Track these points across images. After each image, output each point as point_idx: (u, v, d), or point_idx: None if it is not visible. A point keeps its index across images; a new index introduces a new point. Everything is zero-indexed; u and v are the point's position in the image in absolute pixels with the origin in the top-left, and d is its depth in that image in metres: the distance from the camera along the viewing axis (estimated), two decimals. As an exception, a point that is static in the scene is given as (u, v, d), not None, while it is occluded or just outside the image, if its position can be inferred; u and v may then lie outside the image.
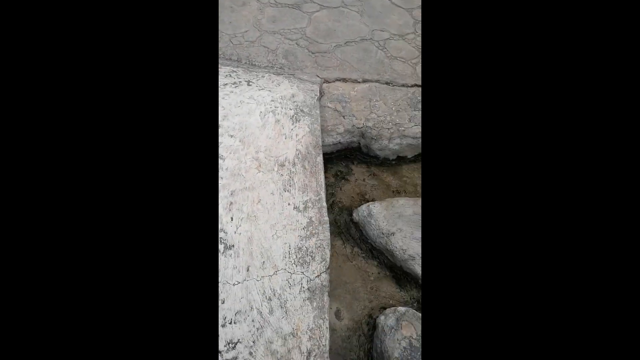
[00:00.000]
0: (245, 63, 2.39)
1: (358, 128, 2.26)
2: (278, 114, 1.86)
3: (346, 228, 2.09)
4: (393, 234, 1.87)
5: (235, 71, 2.12)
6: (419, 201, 1.99)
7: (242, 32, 2.63)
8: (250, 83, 2.04)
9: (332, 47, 2.57)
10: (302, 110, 1.90)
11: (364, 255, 1.96)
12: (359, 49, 2.62)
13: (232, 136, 1.72)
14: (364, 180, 2.39)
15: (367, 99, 2.33)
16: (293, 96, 1.97)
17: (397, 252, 1.78)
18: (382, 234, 1.87)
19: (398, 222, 1.89)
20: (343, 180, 2.36)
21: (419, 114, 2.38)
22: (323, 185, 1.68)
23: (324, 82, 2.38)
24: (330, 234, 1.84)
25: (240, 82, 2.02)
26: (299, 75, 2.22)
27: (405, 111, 2.37)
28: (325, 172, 2.25)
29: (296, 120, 1.85)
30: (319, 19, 2.78)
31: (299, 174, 1.66)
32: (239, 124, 1.78)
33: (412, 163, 2.42)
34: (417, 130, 2.26)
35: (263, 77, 2.11)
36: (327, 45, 2.57)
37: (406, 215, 1.94)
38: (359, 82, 2.42)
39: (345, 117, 2.27)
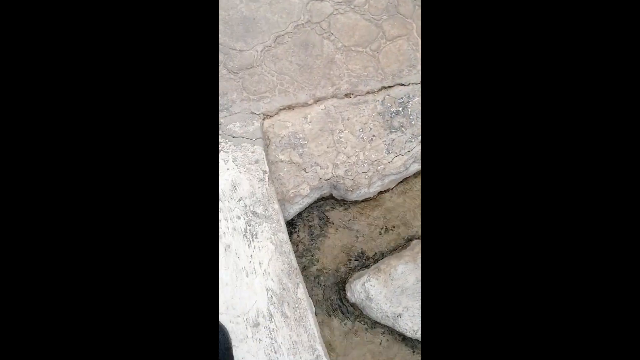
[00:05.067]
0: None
1: (326, 180, 1.63)
2: (224, 234, 1.20)
3: (341, 304, 1.69)
4: (400, 315, 1.61)
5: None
6: (419, 259, 1.68)
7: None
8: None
9: (259, 54, 1.79)
10: (255, 214, 1.24)
11: (367, 326, 1.67)
12: (296, 47, 1.83)
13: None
14: (345, 227, 1.87)
15: (327, 132, 1.67)
16: (235, 187, 1.29)
17: (409, 333, 1.60)
18: (387, 316, 1.60)
19: (402, 300, 1.60)
20: (321, 238, 1.81)
21: (396, 135, 1.76)
22: (316, 332, 1.10)
23: (264, 118, 1.66)
24: (324, 312, 1.64)
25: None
26: (228, 128, 1.51)
27: (380, 137, 1.75)
28: (297, 231, 1.70)
29: (252, 236, 1.20)
30: (226, 2, 1.86)
31: (282, 328, 1.06)
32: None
33: (395, 190, 1.91)
34: (399, 162, 1.71)
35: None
36: (250, 52, 1.77)
37: (409, 287, 1.63)
38: (311, 105, 1.73)
39: (307, 170, 1.63)
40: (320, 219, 1.90)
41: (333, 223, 1.89)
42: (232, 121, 1.50)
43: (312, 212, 1.88)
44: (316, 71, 1.81)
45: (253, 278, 1.13)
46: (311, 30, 1.91)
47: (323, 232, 1.89)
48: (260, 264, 1.15)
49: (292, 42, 1.86)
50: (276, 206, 1.23)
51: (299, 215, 1.80)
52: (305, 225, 1.86)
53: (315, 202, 1.77)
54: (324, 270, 1.77)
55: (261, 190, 1.26)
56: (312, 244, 1.82)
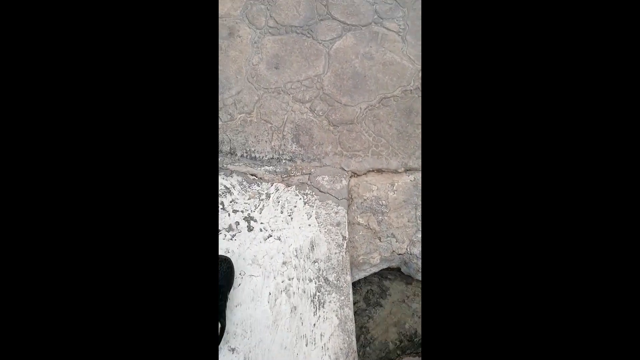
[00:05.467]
0: (243, 156, 1.66)
1: (399, 254, 1.59)
2: (294, 294, 1.20)
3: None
4: None
5: (228, 189, 1.39)
6: None
7: (233, 95, 1.84)
8: (252, 219, 1.32)
9: (361, 111, 1.82)
10: (326, 280, 1.23)
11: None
12: (399, 111, 1.84)
13: (232, 350, 1.05)
14: (403, 302, 1.79)
15: (411, 205, 1.64)
16: (313, 247, 1.30)
17: None
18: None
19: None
20: (376, 307, 1.74)
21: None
22: None
23: (352, 176, 1.67)
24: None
25: (237, 220, 1.33)
26: (317, 180, 1.53)
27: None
28: (352, 294, 1.66)
29: (320, 304, 1.19)
30: (343, 55, 1.95)
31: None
32: (242, 322, 1.11)
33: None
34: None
35: (268, 196, 1.41)
36: (354, 109, 1.81)
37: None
38: (400, 173, 1.72)
39: (382, 240, 1.60)
40: (379, 287, 1.85)
41: (391, 295, 1.84)
42: (321, 173, 1.52)
43: (373, 278, 1.84)
44: (414, 140, 1.80)
45: (311, 349, 1.11)
46: (418, 97, 1.90)
47: (379, 301, 1.83)
48: (321, 335, 1.13)
49: (396, 106, 1.86)
50: (348, 278, 1.21)
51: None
52: (363, 290, 1.81)
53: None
54: (372, 342, 1.69)
55: (337, 257, 1.25)
56: (365, 311, 1.77)
